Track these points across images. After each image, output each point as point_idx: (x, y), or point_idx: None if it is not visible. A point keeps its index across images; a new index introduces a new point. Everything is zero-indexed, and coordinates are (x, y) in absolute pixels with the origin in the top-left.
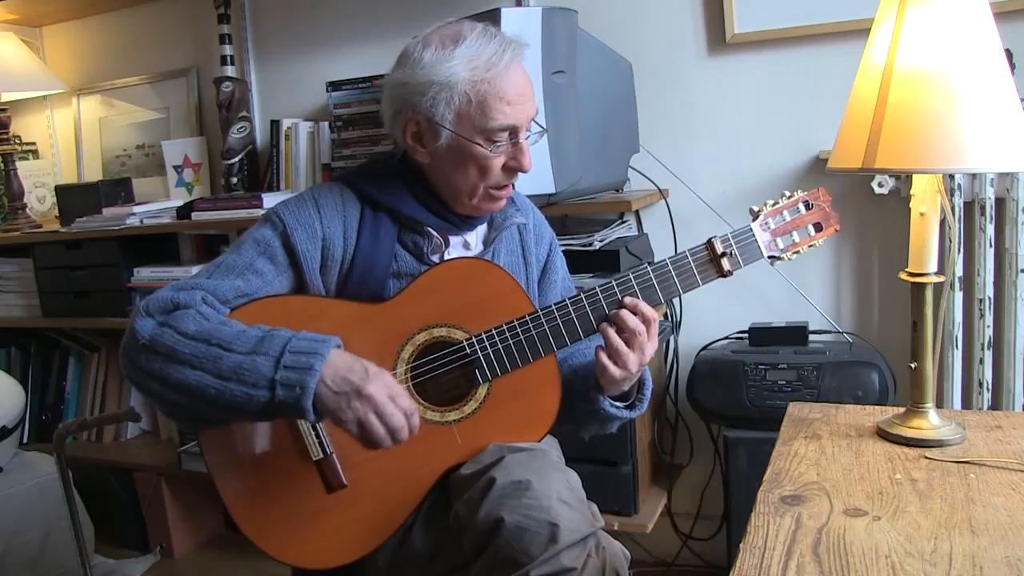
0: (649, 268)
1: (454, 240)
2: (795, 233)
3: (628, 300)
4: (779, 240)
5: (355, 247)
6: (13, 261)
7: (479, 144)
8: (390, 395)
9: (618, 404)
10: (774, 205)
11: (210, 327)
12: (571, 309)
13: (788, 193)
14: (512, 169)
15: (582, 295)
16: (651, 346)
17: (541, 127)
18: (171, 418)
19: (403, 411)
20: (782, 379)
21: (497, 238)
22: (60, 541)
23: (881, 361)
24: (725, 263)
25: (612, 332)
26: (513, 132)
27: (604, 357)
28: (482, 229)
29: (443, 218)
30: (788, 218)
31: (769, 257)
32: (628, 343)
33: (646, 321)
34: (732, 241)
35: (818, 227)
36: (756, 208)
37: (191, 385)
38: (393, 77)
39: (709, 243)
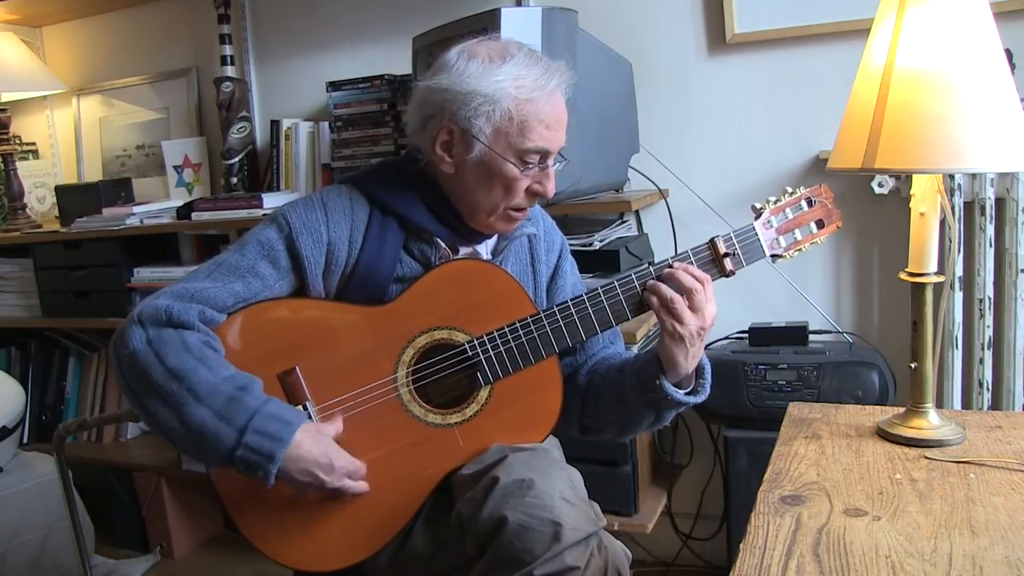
0: (652, 270)
1: (463, 251)
2: (797, 231)
3: (677, 264)
4: (781, 238)
5: (360, 251)
6: (13, 261)
7: (511, 162)
8: (348, 475)
9: (679, 391)
10: (776, 203)
11: (188, 365)
12: (573, 310)
13: (790, 190)
14: (535, 193)
15: (584, 297)
16: (710, 308)
17: (564, 158)
18: None
19: (358, 486)
20: (782, 379)
21: (506, 248)
22: (60, 541)
23: (881, 361)
24: (728, 263)
25: (665, 288)
26: (544, 156)
27: (665, 317)
28: (491, 240)
29: (453, 229)
30: (790, 216)
31: (771, 256)
32: (689, 304)
33: (700, 280)
34: (735, 240)
35: (820, 224)
36: (758, 206)
37: (157, 418)
38: (432, 82)
39: (712, 243)
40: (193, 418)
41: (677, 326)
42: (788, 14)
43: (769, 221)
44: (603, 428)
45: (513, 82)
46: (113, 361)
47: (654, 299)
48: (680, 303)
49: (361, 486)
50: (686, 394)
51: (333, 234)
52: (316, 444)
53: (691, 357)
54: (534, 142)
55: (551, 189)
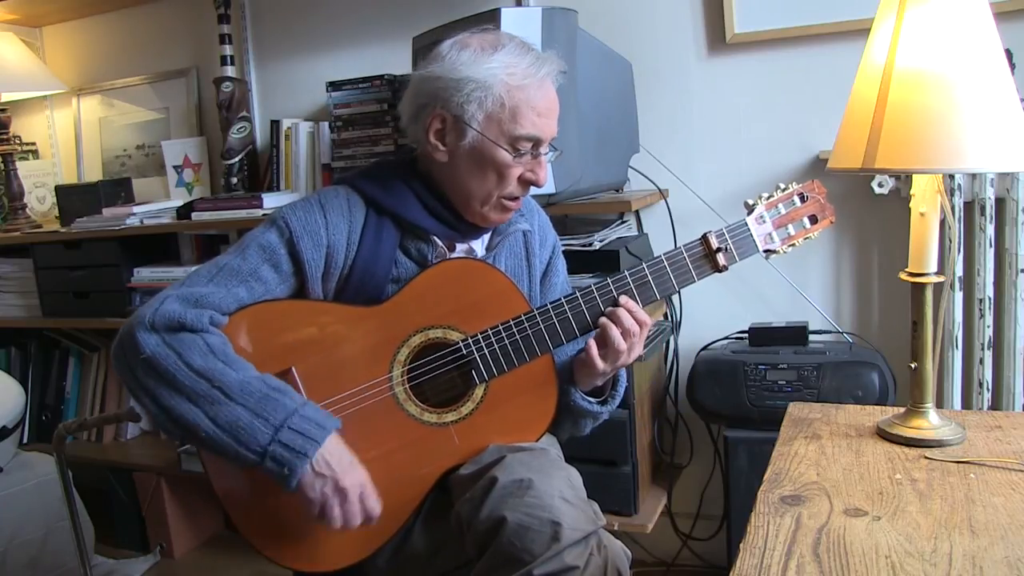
0: (645, 265)
1: (460, 247)
2: (790, 226)
3: (624, 300)
4: (774, 234)
5: (356, 252)
6: (13, 261)
7: (504, 148)
8: (360, 493)
9: (590, 399)
10: (769, 198)
11: (215, 367)
12: (567, 308)
13: (783, 186)
14: (527, 182)
15: (578, 294)
16: (637, 349)
17: (555, 148)
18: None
19: (366, 511)
20: (782, 379)
21: (501, 243)
22: (60, 541)
23: (881, 361)
24: (720, 258)
25: (612, 327)
26: (536, 144)
27: (595, 350)
28: (486, 236)
29: (448, 225)
30: (783, 211)
31: (764, 251)
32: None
33: (640, 324)
34: (727, 235)
35: (813, 219)
36: (751, 201)
37: (183, 417)
38: (425, 71)
39: (704, 238)
40: (225, 417)
41: (602, 360)
42: (788, 14)
43: (762, 216)
44: None
45: (504, 69)
46: (123, 369)
47: (610, 330)
48: (625, 355)
49: (371, 504)
50: (598, 402)
51: (332, 237)
52: (342, 451)
53: (602, 378)
54: (526, 129)
55: (543, 177)
